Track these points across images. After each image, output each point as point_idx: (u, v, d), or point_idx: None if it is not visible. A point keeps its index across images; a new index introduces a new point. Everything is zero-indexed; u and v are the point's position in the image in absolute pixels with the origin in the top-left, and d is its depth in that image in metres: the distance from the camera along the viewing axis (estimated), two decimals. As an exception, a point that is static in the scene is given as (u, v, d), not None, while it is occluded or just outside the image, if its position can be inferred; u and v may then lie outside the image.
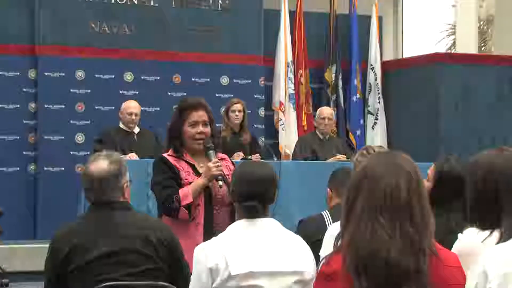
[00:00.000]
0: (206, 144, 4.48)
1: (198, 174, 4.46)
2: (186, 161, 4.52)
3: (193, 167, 4.50)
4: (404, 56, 11.69)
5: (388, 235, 2.41)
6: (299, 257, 3.24)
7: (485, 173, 2.67)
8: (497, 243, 2.51)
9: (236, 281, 3.09)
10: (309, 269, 3.23)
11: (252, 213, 3.25)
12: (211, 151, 4.49)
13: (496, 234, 2.57)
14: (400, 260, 2.40)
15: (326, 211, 4.62)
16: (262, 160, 7.31)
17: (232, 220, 3.84)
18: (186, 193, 4.36)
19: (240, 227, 3.26)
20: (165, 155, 4.54)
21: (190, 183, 4.42)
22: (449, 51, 11.99)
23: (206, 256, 3.13)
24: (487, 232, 2.66)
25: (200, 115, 4.43)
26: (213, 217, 4.41)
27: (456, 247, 2.88)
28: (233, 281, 3.09)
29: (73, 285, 3.63)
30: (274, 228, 3.30)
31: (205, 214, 4.41)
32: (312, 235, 4.13)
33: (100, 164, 3.69)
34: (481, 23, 11.64)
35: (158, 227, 3.79)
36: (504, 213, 2.40)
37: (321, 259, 3.49)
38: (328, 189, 4.74)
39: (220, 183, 4.36)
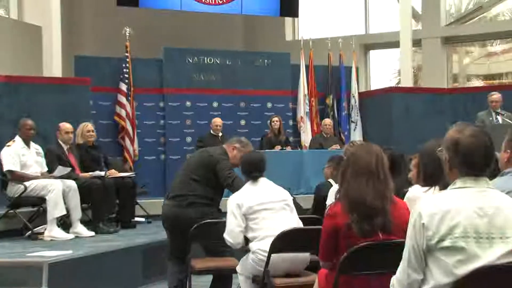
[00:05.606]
0: None
1: None
2: None
3: None
4: (371, 89, 11.57)
5: (365, 188, 2.41)
6: None
7: (431, 153, 2.47)
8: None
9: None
10: None
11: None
12: None
13: (432, 190, 2.52)
14: (373, 202, 2.39)
15: (331, 178, 4.60)
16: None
17: None
18: None
19: None
20: None
21: None
22: (396, 86, 11.78)
23: None
24: (427, 188, 2.59)
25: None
26: None
27: (407, 196, 2.82)
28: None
29: None
30: None
31: None
32: (326, 194, 4.08)
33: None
34: (414, 69, 11.37)
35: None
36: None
37: (327, 205, 3.49)
38: (329, 167, 4.73)
39: None
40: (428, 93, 9.67)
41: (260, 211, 3.32)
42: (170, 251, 4.08)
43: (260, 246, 3.26)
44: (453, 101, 9.34)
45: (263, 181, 3.49)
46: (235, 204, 3.34)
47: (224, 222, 3.47)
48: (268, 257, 3.13)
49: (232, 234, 3.33)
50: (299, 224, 3.40)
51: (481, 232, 1.74)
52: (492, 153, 1.86)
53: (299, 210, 4.33)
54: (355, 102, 9.73)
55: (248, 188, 3.47)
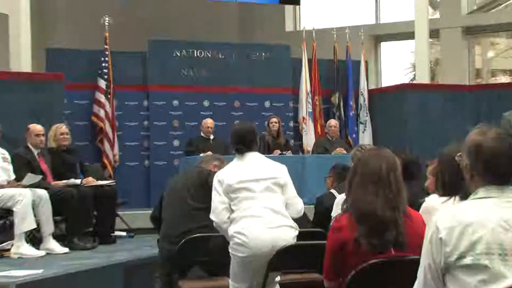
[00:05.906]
0: None
1: None
2: None
3: None
4: (382, 86, 11.59)
5: (374, 197, 2.39)
6: None
7: (450, 159, 2.46)
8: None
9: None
10: None
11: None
12: None
13: (452, 200, 2.50)
14: (383, 214, 2.38)
15: (333, 189, 4.58)
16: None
17: None
18: None
19: None
20: None
21: None
22: (410, 82, 11.85)
23: None
24: (445, 198, 2.56)
25: None
26: None
27: (423, 206, 2.79)
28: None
29: None
30: None
31: None
32: (329, 206, 4.08)
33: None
34: (431, 63, 11.43)
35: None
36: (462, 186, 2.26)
37: (332, 218, 3.47)
38: (330, 177, 4.72)
39: None
40: (447, 90, 9.69)
41: (240, 190, 3.33)
42: (162, 270, 4.13)
43: (236, 228, 3.27)
44: (476, 100, 9.38)
45: (251, 156, 3.48)
46: (217, 180, 3.42)
47: (215, 237, 3.49)
48: (266, 275, 3.13)
49: (216, 212, 3.38)
50: (290, 203, 3.42)
51: (507, 248, 1.71)
52: (519, 159, 1.84)
53: (307, 222, 4.33)
54: (364, 101, 9.75)
55: (233, 164, 3.51)
